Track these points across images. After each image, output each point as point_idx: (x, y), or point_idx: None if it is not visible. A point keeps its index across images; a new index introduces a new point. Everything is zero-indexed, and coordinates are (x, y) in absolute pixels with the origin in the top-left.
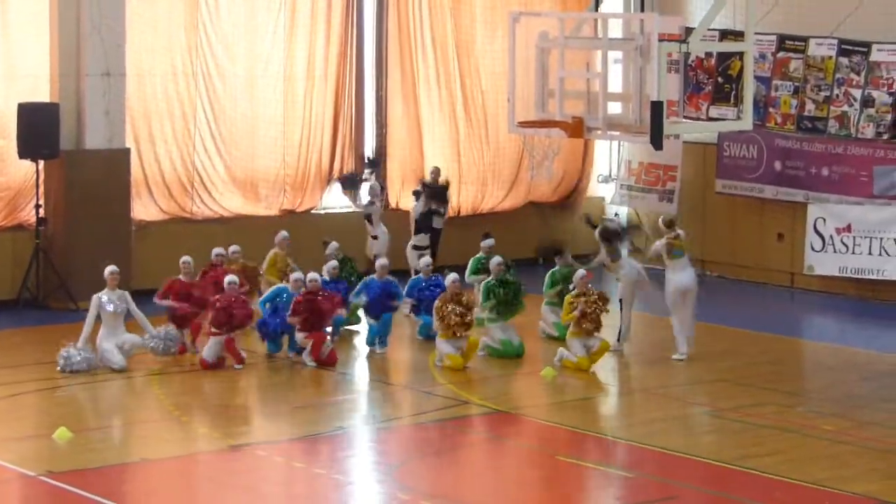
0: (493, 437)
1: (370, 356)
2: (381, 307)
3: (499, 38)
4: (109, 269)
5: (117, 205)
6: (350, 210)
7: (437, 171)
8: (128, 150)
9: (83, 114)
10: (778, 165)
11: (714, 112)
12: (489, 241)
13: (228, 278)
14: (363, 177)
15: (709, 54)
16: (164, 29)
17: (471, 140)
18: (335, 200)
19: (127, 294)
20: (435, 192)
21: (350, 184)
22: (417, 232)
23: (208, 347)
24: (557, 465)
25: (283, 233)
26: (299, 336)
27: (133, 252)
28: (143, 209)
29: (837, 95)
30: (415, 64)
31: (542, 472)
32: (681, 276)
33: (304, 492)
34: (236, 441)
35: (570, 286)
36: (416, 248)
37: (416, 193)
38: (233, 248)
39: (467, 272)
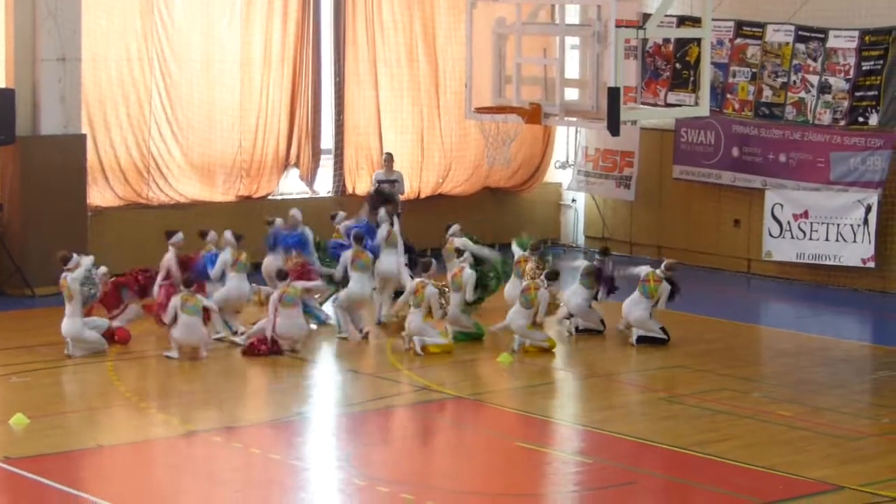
0: (451, 424)
1: (338, 341)
2: None
3: (462, 22)
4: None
5: (73, 191)
6: (307, 196)
7: (390, 158)
8: (83, 136)
9: (38, 99)
10: (735, 151)
11: (672, 98)
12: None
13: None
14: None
15: (666, 40)
16: (119, 14)
17: (433, 125)
18: (292, 186)
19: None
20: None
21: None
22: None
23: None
24: (516, 450)
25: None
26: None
27: (89, 238)
28: (99, 195)
29: (795, 82)
30: (375, 48)
31: (501, 458)
32: (633, 308)
33: (261, 477)
34: (193, 426)
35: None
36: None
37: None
38: (228, 233)
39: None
